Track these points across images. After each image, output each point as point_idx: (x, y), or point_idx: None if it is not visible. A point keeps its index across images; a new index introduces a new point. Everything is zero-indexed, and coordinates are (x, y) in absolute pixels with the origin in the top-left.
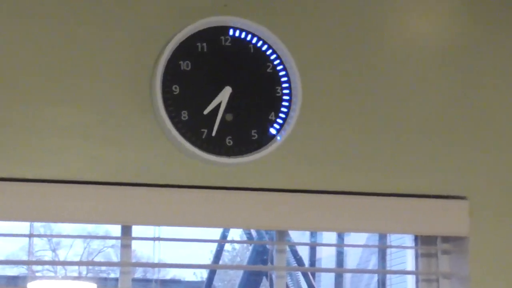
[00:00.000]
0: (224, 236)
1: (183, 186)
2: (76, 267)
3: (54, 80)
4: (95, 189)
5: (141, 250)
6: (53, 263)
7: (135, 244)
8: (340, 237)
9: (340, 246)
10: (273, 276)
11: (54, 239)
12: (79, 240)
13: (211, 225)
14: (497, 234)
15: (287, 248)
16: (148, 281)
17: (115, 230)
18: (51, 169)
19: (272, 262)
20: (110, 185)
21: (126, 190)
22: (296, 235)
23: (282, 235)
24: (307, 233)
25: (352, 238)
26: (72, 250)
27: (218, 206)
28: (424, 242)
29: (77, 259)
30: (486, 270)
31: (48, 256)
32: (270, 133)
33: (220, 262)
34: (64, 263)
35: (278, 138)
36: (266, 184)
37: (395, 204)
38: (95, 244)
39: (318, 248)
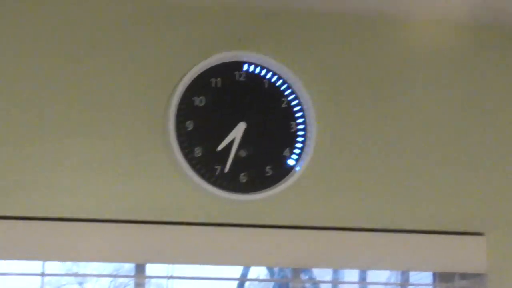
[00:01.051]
0: (245, 271)
1: (197, 224)
2: None
3: (65, 116)
4: (108, 227)
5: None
6: None
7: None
8: (362, 273)
9: (358, 283)
10: None
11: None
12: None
13: (226, 263)
14: None
15: (308, 285)
16: None
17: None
18: (64, 207)
19: None
20: (123, 223)
21: (139, 228)
22: (318, 270)
23: (298, 272)
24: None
25: (374, 274)
26: (98, 285)
27: (232, 244)
28: (443, 279)
29: None
30: None
31: None
32: (286, 167)
33: None
34: None
35: (297, 168)
36: (281, 221)
37: (413, 240)
38: (122, 278)
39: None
